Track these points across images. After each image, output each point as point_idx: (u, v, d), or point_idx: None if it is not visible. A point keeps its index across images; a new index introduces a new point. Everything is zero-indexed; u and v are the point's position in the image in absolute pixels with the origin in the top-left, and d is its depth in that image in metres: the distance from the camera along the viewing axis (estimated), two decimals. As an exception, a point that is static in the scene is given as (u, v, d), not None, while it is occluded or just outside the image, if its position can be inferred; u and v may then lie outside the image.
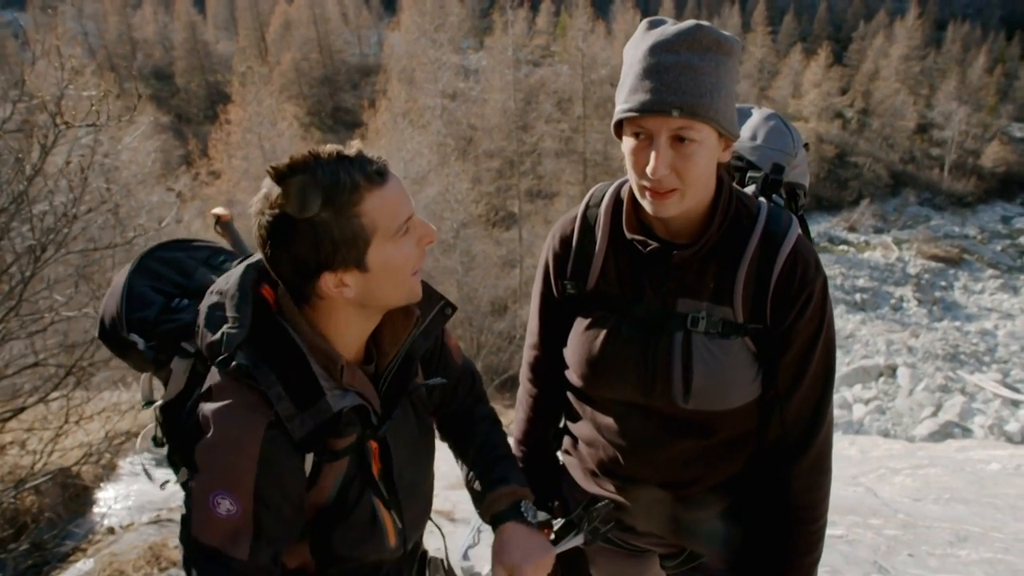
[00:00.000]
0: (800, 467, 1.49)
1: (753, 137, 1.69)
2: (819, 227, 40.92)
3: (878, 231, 39.88)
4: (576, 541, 1.65)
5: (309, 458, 1.28)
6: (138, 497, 5.54)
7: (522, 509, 1.53)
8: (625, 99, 1.34)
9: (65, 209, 3.74)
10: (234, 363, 1.21)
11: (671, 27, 1.32)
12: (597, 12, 48.38)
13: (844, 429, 23.31)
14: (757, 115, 1.75)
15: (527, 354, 1.79)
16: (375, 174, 1.22)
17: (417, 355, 1.44)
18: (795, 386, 1.47)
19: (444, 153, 29.22)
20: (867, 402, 25.46)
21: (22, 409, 5.44)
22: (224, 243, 1.65)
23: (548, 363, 1.71)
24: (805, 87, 47.89)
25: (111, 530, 5.09)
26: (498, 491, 1.55)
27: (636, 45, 1.35)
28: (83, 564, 4.28)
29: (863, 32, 58.73)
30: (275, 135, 26.73)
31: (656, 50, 1.30)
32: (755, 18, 54.79)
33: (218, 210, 1.67)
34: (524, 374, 1.81)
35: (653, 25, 1.35)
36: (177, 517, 5.05)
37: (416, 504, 1.51)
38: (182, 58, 55.29)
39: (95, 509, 5.46)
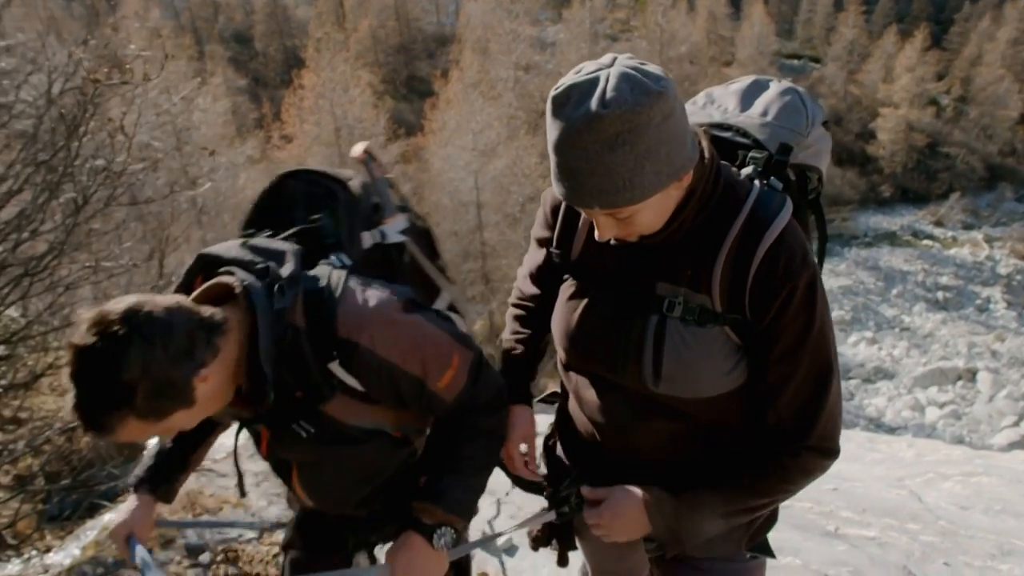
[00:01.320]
0: (795, 457, 1.43)
1: (764, 113, 1.55)
2: (902, 219, 39.23)
3: (968, 227, 37.97)
4: (547, 517, 1.68)
5: None
6: (186, 447, 5.75)
7: (436, 534, 1.54)
8: (553, 180, 1.30)
9: (106, 164, 3.84)
10: None
11: (574, 116, 1.19)
12: (679, -13, 47.09)
13: (915, 432, 22.49)
14: (773, 89, 1.61)
15: (519, 281, 1.83)
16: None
17: (297, 408, 1.50)
18: (784, 385, 1.39)
19: (514, 126, 29.12)
20: (942, 405, 24.47)
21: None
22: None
23: (537, 300, 1.76)
24: (898, 71, 45.56)
25: (158, 476, 5.30)
26: (428, 505, 1.55)
27: (548, 126, 1.25)
28: (127, 504, 4.45)
29: (967, 13, 55.41)
30: (347, 101, 27.07)
31: (562, 147, 1.22)
32: (848, -4, 52.32)
33: (362, 145, 1.82)
34: (513, 295, 1.86)
35: (557, 106, 1.22)
36: (219, 468, 5.22)
37: (324, 493, 1.76)
38: (261, 22, 56.35)
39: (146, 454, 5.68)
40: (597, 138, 1.19)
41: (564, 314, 1.58)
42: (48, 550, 4.12)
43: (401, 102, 47.37)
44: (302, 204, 1.66)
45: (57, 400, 5.84)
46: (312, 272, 1.51)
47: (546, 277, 1.70)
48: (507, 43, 33.95)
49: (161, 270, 5.76)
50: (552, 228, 1.64)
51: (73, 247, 4.20)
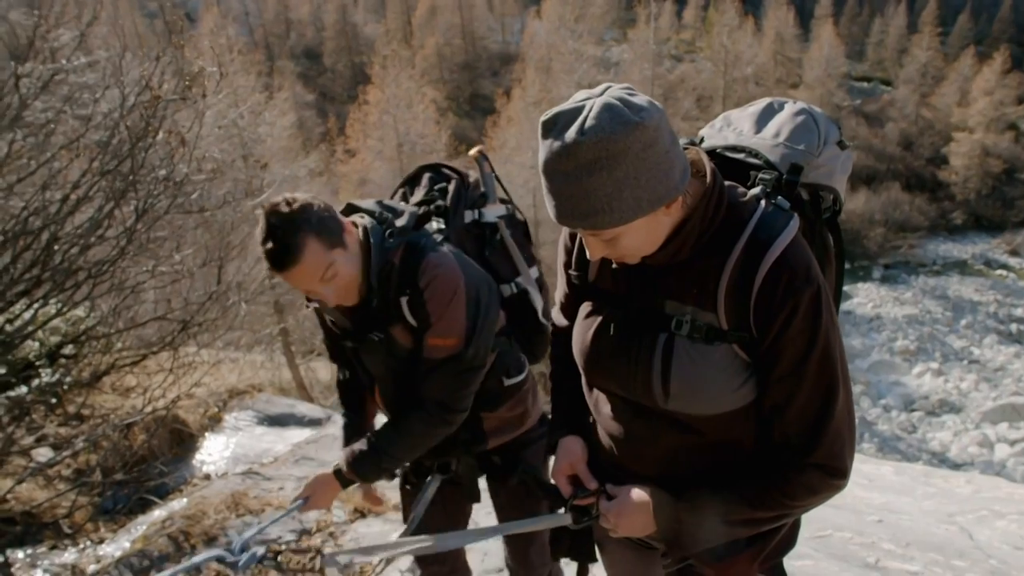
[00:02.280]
0: (800, 473, 1.43)
1: (777, 134, 1.57)
2: (974, 248, 37.77)
3: (1047, 258, 36.31)
4: (563, 520, 1.69)
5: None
6: (235, 449, 5.92)
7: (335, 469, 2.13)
8: (544, 200, 1.39)
9: (168, 174, 4.03)
10: None
11: (556, 142, 1.27)
12: (747, 7, 46.71)
13: (982, 469, 21.49)
14: (787, 111, 1.62)
15: (553, 313, 1.91)
16: (271, 269, 1.86)
17: (379, 316, 2.03)
18: (789, 402, 1.40)
19: (574, 144, 29.04)
20: (1013, 443, 23.31)
21: (144, 356, 5.95)
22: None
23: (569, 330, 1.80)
24: (974, 94, 44.04)
25: (207, 476, 5.48)
26: (345, 464, 2.12)
27: (539, 149, 1.34)
28: (177, 503, 4.63)
29: (1050, 35, 53.40)
30: (410, 118, 27.59)
31: (547, 170, 1.31)
32: (923, 18, 50.80)
33: (477, 147, 2.37)
34: (552, 328, 1.94)
35: (544, 131, 1.31)
36: (265, 472, 5.36)
37: (395, 402, 2.16)
38: (331, 38, 58.08)
39: (197, 456, 5.88)
40: (576, 163, 1.25)
41: (580, 333, 1.63)
42: (101, 541, 4.30)
43: (463, 119, 48.05)
44: (428, 185, 2.25)
45: (118, 399, 6.10)
46: (423, 230, 2.08)
47: (572, 304, 1.73)
48: (570, 62, 34.07)
49: (219, 277, 5.98)
50: (570, 251, 1.69)
51: (136, 252, 4.40)
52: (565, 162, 1.26)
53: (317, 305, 2.11)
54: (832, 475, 1.42)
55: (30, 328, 5.16)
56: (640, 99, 1.29)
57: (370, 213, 2.08)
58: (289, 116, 20.35)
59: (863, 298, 32.99)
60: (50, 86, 5.01)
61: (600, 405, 1.66)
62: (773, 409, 1.42)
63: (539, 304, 2.30)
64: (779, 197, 1.44)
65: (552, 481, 1.75)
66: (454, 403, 2.06)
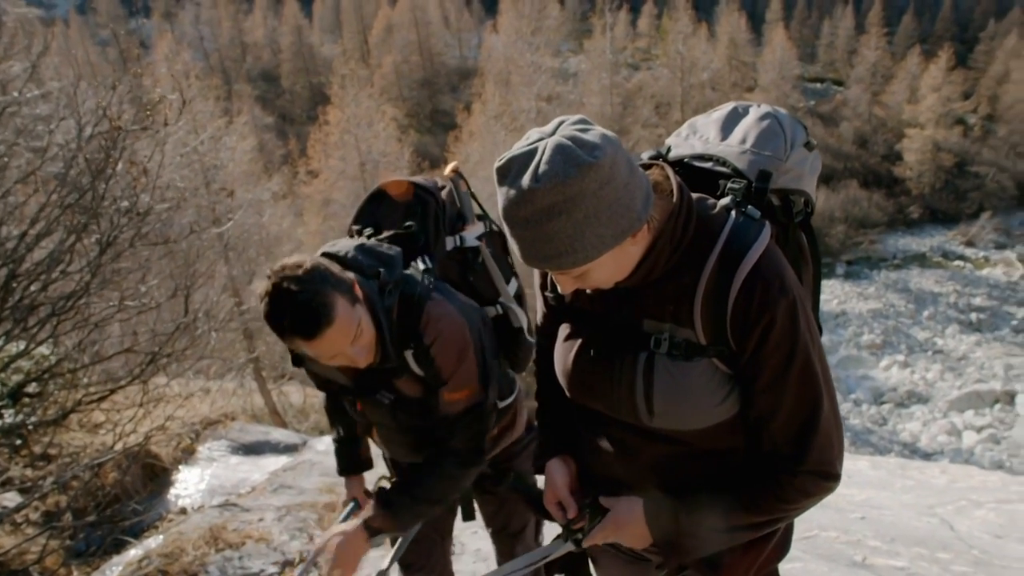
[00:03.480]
0: (793, 478, 1.42)
1: (743, 140, 1.55)
2: (932, 240, 38.65)
3: (1000, 247, 37.27)
4: (566, 548, 1.68)
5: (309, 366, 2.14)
6: (211, 481, 5.79)
7: (375, 535, 1.99)
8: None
9: (131, 205, 3.94)
10: None
11: (512, 189, 1.25)
12: (700, 15, 47.45)
13: (952, 457, 21.91)
14: (752, 115, 1.60)
15: (536, 335, 1.89)
16: (294, 338, 1.72)
17: (384, 372, 1.99)
18: (773, 414, 1.40)
19: (537, 156, 29.15)
20: (979, 430, 23.85)
21: (112, 391, 5.80)
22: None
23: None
24: (923, 92, 45.18)
25: (183, 510, 5.34)
26: (380, 511, 2.00)
27: (497, 195, 1.32)
28: (153, 541, 4.50)
29: (993, 31, 55.01)
30: (372, 136, 27.46)
31: (507, 216, 1.29)
32: (870, 19, 52.07)
33: (452, 165, 2.32)
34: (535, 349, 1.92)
35: (500, 177, 1.29)
36: (243, 503, 5.24)
37: (397, 447, 2.20)
38: (288, 60, 57.81)
39: (172, 490, 5.73)
40: (534, 210, 1.24)
41: (561, 355, 1.61)
42: (75, 585, 4.16)
43: (425, 135, 48.02)
44: (401, 210, 2.13)
45: (86, 436, 5.93)
46: (408, 272, 1.99)
47: (551, 325, 1.72)
48: (529, 75, 34.26)
49: (187, 307, 5.86)
50: (545, 274, 1.67)
51: (100, 286, 4.29)
52: (523, 209, 1.25)
53: (309, 366, 2.08)
54: (825, 479, 1.42)
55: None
56: (592, 135, 1.26)
57: (353, 264, 1.94)
58: (249, 140, 20.15)
59: (828, 295, 33.50)
60: (2, 119, 4.89)
61: (588, 421, 1.65)
62: (759, 420, 1.42)
63: (523, 320, 2.29)
64: (749, 206, 1.42)
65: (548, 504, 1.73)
66: (483, 444, 2.05)
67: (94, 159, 4.03)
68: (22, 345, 5.80)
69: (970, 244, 37.89)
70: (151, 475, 5.76)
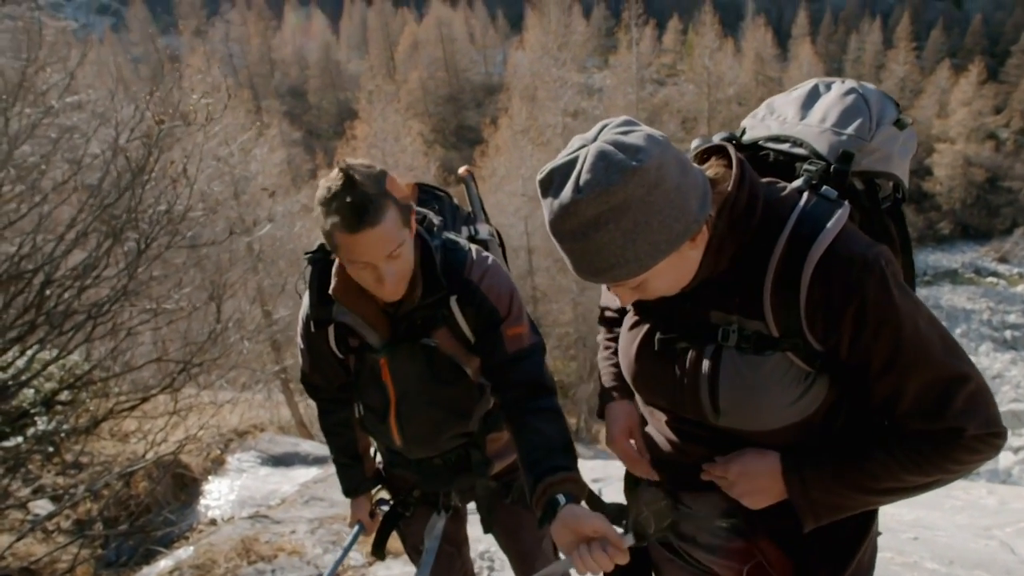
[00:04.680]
0: (955, 445, 1.24)
1: (823, 119, 1.41)
2: (963, 256, 38.03)
3: (1035, 263, 36.56)
4: (627, 540, 1.56)
5: (331, 331, 2.00)
6: (241, 492, 5.75)
7: (559, 496, 1.59)
8: None
9: (168, 207, 3.91)
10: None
11: (555, 202, 1.18)
12: (726, 30, 47.26)
13: (988, 478, 21.34)
14: (835, 91, 1.46)
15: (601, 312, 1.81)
16: (347, 225, 1.64)
17: (424, 319, 1.91)
18: (900, 396, 1.25)
19: (563, 171, 29.14)
20: (1016, 450, 23.23)
21: (143, 400, 5.78)
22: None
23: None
24: (952, 106, 44.64)
25: (213, 521, 5.29)
26: (567, 475, 1.63)
27: (542, 206, 1.24)
28: (183, 552, 4.44)
29: (1024, 44, 54.23)
30: (398, 151, 27.58)
31: (553, 230, 1.22)
32: (898, 33, 51.60)
33: (465, 166, 2.40)
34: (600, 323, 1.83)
35: (543, 190, 1.22)
36: (274, 515, 5.17)
37: (415, 427, 2.05)
38: (315, 76, 58.54)
39: (202, 501, 5.69)
40: (579, 222, 1.17)
41: (625, 346, 1.53)
42: (105, 596, 4.11)
43: (451, 150, 48.26)
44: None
45: (118, 445, 5.92)
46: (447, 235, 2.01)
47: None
48: (555, 90, 34.27)
49: (219, 316, 5.84)
50: None
51: (134, 292, 4.26)
52: (567, 222, 1.18)
53: (344, 318, 1.93)
54: (993, 437, 1.25)
55: (26, 376, 4.99)
56: (636, 136, 1.17)
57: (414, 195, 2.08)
58: (279, 153, 20.33)
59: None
60: (39, 128, 4.91)
61: (652, 416, 1.56)
62: (885, 408, 1.27)
63: None
64: (824, 187, 1.30)
65: (617, 451, 1.65)
66: (554, 385, 1.94)
67: (134, 158, 4.00)
68: (55, 352, 5.81)
69: (1003, 260, 37.21)
70: (181, 485, 5.73)
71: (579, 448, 1.88)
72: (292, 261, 14.74)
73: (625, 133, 1.18)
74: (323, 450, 7.32)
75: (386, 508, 2.34)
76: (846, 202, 1.27)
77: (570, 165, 1.18)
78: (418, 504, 2.29)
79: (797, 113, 1.47)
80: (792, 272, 1.23)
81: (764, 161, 1.44)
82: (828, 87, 1.49)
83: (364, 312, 1.92)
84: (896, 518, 4.64)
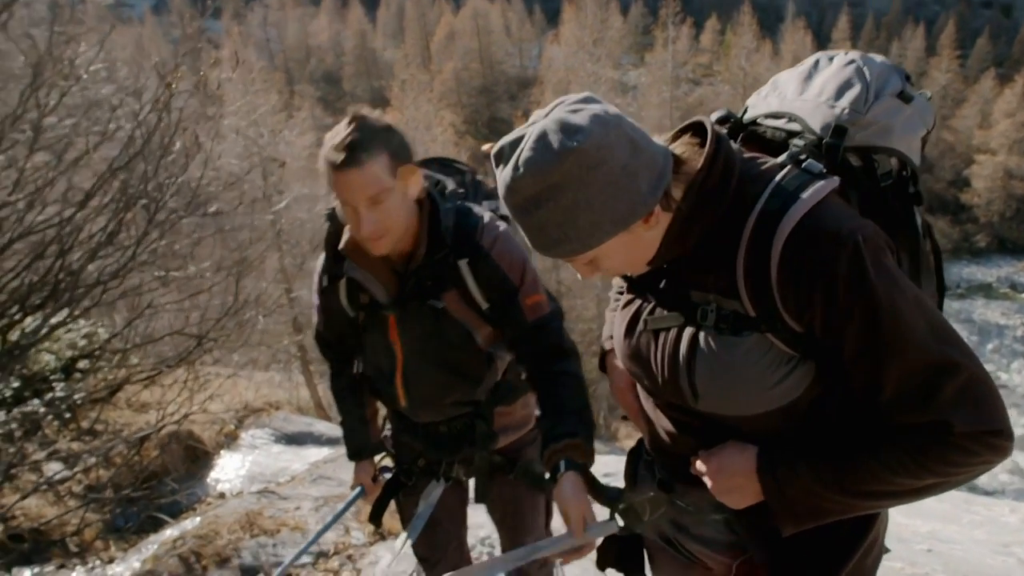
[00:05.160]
0: (947, 444, 1.13)
1: (820, 92, 1.34)
2: (999, 271, 37.27)
3: (1075, 279, 35.71)
4: (609, 529, 1.57)
5: (342, 288, 2.05)
6: (251, 468, 5.77)
7: (561, 462, 1.67)
8: None
9: (173, 176, 3.91)
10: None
11: (502, 176, 1.20)
12: (764, 31, 46.76)
13: (1014, 496, 20.89)
14: (835, 63, 1.38)
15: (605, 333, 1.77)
16: (335, 160, 1.71)
17: (435, 281, 1.92)
18: (877, 383, 1.15)
19: (592, 166, 29.09)
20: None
21: (159, 371, 5.84)
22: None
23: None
24: (995, 116, 43.63)
25: (222, 495, 5.32)
26: (576, 441, 1.71)
27: None
28: (189, 522, 4.48)
29: (1073, 57, 52.93)
30: (429, 140, 27.67)
31: (504, 203, 1.23)
32: (942, 41, 50.57)
33: (490, 144, 2.42)
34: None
35: (495, 163, 1.23)
36: (281, 491, 5.19)
37: (421, 388, 2.06)
38: (351, 63, 58.96)
39: (212, 474, 5.73)
40: (521, 198, 1.18)
41: (616, 324, 1.50)
42: (111, 560, 4.15)
43: (482, 141, 47.87)
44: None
45: (133, 415, 5.99)
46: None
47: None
48: (588, 85, 34.12)
49: (236, 292, 5.87)
50: None
51: (148, 262, 4.29)
52: (511, 198, 1.19)
53: (354, 273, 1.97)
54: (990, 436, 1.12)
55: (43, 337, 5.07)
56: (582, 116, 1.15)
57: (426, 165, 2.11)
58: (308, 136, 20.48)
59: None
60: (67, 99, 4.96)
61: (648, 400, 1.51)
62: (865, 394, 1.18)
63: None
64: (809, 161, 1.22)
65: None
66: (574, 348, 1.98)
67: (147, 124, 4.02)
68: (79, 322, 5.89)
69: (1042, 276, 36.38)
70: (192, 458, 5.77)
71: (596, 444, 1.82)
72: (314, 240, 14.83)
73: (574, 111, 1.16)
74: (336, 431, 7.35)
75: (388, 476, 2.33)
76: (833, 177, 1.19)
77: (517, 142, 1.19)
78: (421, 475, 2.27)
79: (797, 88, 1.40)
80: (762, 249, 1.17)
81: (763, 139, 1.38)
82: (831, 59, 1.42)
83: (373, 269, 1.96)
84: (911, 529, 4.53)
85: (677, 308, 1.31)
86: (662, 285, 1.35)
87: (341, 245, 1.95)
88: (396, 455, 2.34)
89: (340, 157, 1.70)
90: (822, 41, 55.67)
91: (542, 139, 1.15)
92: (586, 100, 1.19)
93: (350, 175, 1.71)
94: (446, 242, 1.89)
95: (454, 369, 2.03)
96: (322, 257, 2.09)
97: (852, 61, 1.37)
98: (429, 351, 2.01)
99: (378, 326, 2.03)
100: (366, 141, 1.71)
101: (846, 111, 1.29)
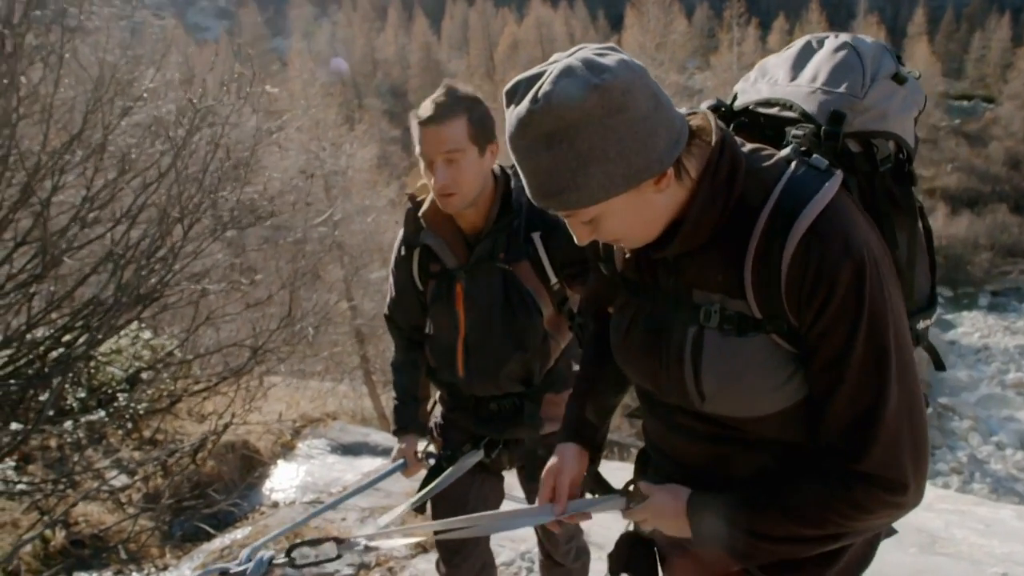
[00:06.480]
0: (847, 482, 1.16)
1: (813, 79, 1.29)
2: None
3: None
4: (616, 504, 1.53)
5: (415, 257, 2.21)
6: (305, 478, 5.85)
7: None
8: None
9: (209, 188, 4.01)
10: None
11: (514, 113, 1.13)
12: (834, 29, 45.26)
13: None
14: (827, 47, 1.34)
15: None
16: (421, 117, 1.95)
17: (507, 250, 2.07)
18: (831, 398, 1.16)
19: (655, 172, 28.80)
20: None
21: (218, 382, 6.00)
22: None
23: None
24: (1087, 109, 41.23)
25: (275, 504, 5.41)
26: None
27: None
28: (240, 532, 4.56)
29: None
30: (491, 149, 27.90)
31: (511, 144, 1.16)
32: (1030, 30, 48.16)
33: None
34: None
35: (507, 101, 1.16)
36: (327, 500, 5.22)
37: (480, 358, 2.16)
38: (416, 76, 59.88)
39: (268, 483, 5.83)
40: (534, 136, 1.11)
41: (614, 328, 1.46)
42: (165, 568, 4.26)
43: (544, 150, 48.31)
44: None
45: (193, 425, 6.15)
46: None
47: (602, 299, 1.60)
48: (650, 90, 33.84)
49: (291, 305, 5.98)
50: (594, 242, 1.50)
51: (200, 275, 4.40)
52: (523, 135, 1.12)
53: (428, 240, 2.13)
54: (887, 489, 1.15)
55: (116, 352, 5.28)
56: (611, 59, 1.10)
57: None
58: (370, 148, 20.88)
59: (969, 327, 31.02)
60: (131, 117, 5.17)
61: (652, 409, 1.48)
62: (816, 406, 1.19)
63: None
64: (814, 155, 1.19)
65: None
66: None
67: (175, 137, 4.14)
68: (146, 334, 6.12)
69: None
70: (249, 467, 5.89)
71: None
72: (376, 255, 15.08)
73: (601, 55, 1.13)
74: (392, 441, 7.41)
75: (432, 462, 2.35)
76: (838, 172, 1.18)
77: (535, 77, 1.13)
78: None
79: (788, 73, 1.36)
80: (774, 249, 1.14)
81: (754, 127, 1.34)
82: (821, 43, 1.37)
83: (447, 237, 2.12)
84: (985, 550, 4.27)
85: (679, 308, 1.28)
86: (664, 284, 1.31)
87: (421, 212, 2.13)
88: (443, 440, 2.41)
89: (426, 113, 1.94)
90: (897, 36, 53.68)
91: (566, 74, 1.09)
92: (613, 48, 1.16)
93: (431, 131, 1.94)
94: (513, 207, 2.06)
95: (514, 340, 2.12)
96: (401, 232, 2.25)
97: (845, 44, 1.33)
98: (492, 320, 2.11)
99: (445, 295, 2.17)
100: (451, 103, 1.94)
101: (844, 96, 1.25)
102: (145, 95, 5.30)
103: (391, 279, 2.33)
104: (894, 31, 54.86)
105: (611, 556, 1.63)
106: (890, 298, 1.14)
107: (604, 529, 3.41)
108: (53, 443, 5.09)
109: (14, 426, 4.43)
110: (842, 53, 1.31)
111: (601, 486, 1.63)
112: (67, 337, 4.82)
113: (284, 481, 5.84)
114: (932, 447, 23.55)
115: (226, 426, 4.88)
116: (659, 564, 1.65)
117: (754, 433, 1.27)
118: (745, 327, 1.19)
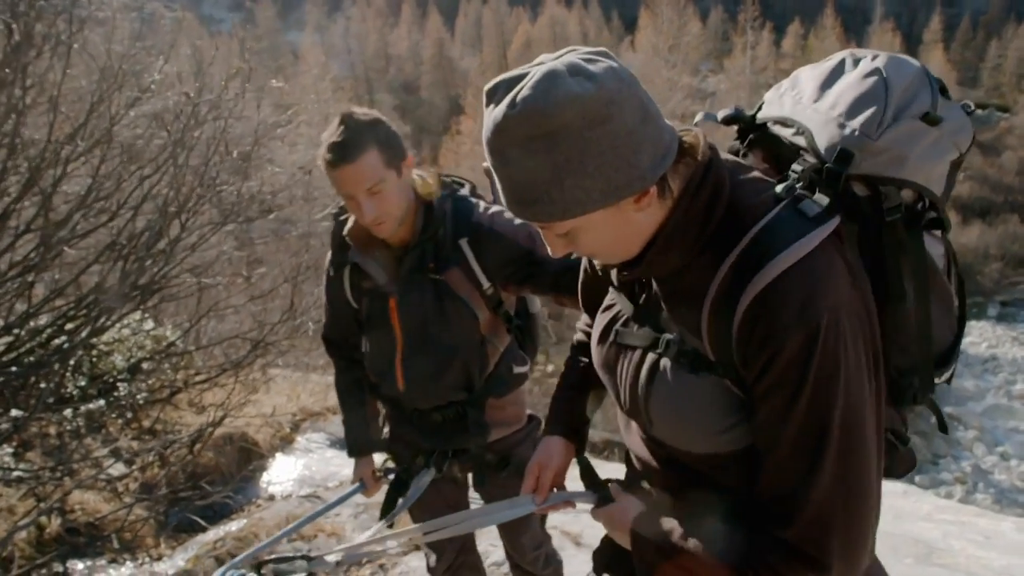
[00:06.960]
0: (767, 545, 1.09)
1: (834, 105, 1.16)
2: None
3: None
4: (588, 498, 1.53)
5: (346, 276, 2.19)
6: (303, 472, 5.86)
7: None
8: None
9: (214, 182, 4.01)
10: None
11: (491, 114, 1.05)
12: (849, 35, 45.15)
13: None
14: (859, 69, 1.19)
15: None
16: (329, 159, 1.87)
17: (436, 261, 2.05)
18: (767, 455, 1.10)
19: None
20: None
21: (218, 374, 6.01)
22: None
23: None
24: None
25: (272, 497, 5.42)
26: None
27: None
28: (235, 524, 4.57)
29: None
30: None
31: (487, 147, 1.08)
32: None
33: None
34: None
35: (487, 100, 1.08)
36: (327, 496, 5.24)
37: (419, 370, 2.13)
38: (428, 72, 59.89)
39: (265, 476, 5.85)
40: (508, 141, 1.03)
41: (595, 327, 1.42)
42: (159, 558, 4.27)
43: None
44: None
45: (193, 416, 6.17)
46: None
47: (591, 292, 1.54)
48: (663, 92, 33.71)
49: (292, 299, 5.99)
50: None
51: (200, 268, 4.41)
52: (498, 139, 1.04)
53: (357, 258, 2.10)
54: (806, 564, 1.07)
55: (118, 341, 5.30)
56: (599, 66, 1.03)
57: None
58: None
59: (977, 337, 30.76)
60: (137, 107, 5.18)
61: (628, 423, 1.46)
62: (758, 458, 1.13)
63: (538, 307, 2.40)
64: (816, 195, 1.09)
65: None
66: None
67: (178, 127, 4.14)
68: (148, 324, 6.14)
69: None
70: (247, 460, 5.90)
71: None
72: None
73: (589, 60, 1.04)
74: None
75: (391, 477, 2.37)
76: (829, 221, 1.07)
77: (517, 79, 1.05)
78: (420, 471, 2.32)
79: (814, 92, 1.23)
80: (733, 295, 1.07)
81: (773, 142, 1.26)
82: (857, 62, 1.24)
83: (375, 253, 2.10)
84: (983, 563, 4.23)
85: (647, 327, 1.24)
86: (641, 299, 1.27)
87: (345, 231, 2.10)
88: (396, 454, 2.40)
89: (335, 156, 1.86)
90: (912, 43, 53.31)
91: (548, 79, 1.01)
92: (604, 54, 1.08)
93: (345, 171, 1.87)
94: (438, 216, 2.03)
95: (451, 349, 2.11)
96: (329, 254, 2.24)
97: (876, 71, 1.19)
98: (428, 331, 2.10)
99: (380, 313, 2.15)
100: (356, 137, 1.86)
101: (856, 134, 1.12)
102: (153, 86, 5.31)
103: (325, 298, 2.30)
104: (910, 38, 54.49)
105: (595, 554, 1.62)
106: (846, 370, 1.03)
107: (593, 529, 3.41)
108: (52, 431, 5.11)
109: (14, 413, 4.46)
110: (870, 81, 1.17)
111: (588, 478, 1.59)
112: (69, 326, 4.84)
113: (282, 474, 5.85)
114: (936, 456, 23.36)
115: (223, 417, 4.89)
116: None
117: (701, 470, 1.22)
118: (698, 366, 1.14)
